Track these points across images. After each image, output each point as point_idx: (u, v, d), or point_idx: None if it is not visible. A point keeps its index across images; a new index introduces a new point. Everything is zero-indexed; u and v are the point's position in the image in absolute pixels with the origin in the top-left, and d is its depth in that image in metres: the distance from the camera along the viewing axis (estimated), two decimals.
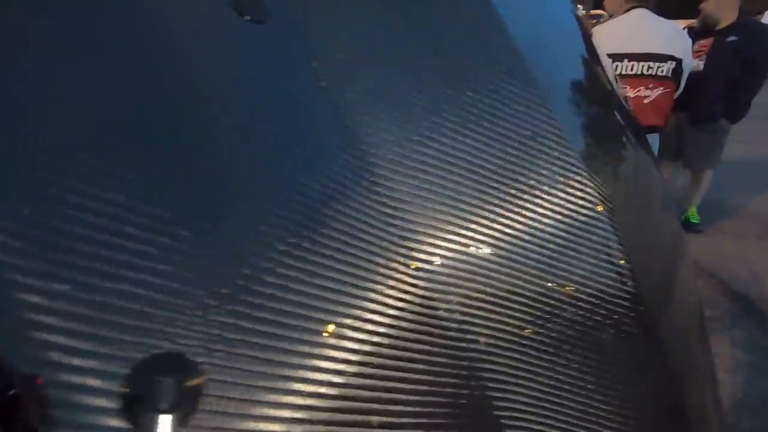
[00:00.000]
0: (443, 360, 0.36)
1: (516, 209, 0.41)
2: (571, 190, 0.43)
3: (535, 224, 0.41)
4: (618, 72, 1.98)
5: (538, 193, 0.42)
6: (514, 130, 0.43)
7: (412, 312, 0.35)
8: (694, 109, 2.57)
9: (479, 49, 0.45)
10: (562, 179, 0.43)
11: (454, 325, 0.36)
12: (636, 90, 1.97)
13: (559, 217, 0.42)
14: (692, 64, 2.05)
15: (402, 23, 0.42)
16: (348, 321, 0.33)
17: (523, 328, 0.39)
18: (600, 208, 0.43)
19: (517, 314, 0.39)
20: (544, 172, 0.43)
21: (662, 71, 1.94)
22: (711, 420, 0.56)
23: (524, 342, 0.39)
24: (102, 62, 0.31)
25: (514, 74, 0.44)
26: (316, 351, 0.31)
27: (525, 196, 0.41)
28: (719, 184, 3.35)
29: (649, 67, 1.94)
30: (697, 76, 2.49)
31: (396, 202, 0.36)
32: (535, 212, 0.41)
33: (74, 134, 0.29)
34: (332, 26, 0.39)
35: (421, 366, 0.35)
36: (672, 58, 1.93)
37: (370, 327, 0.33)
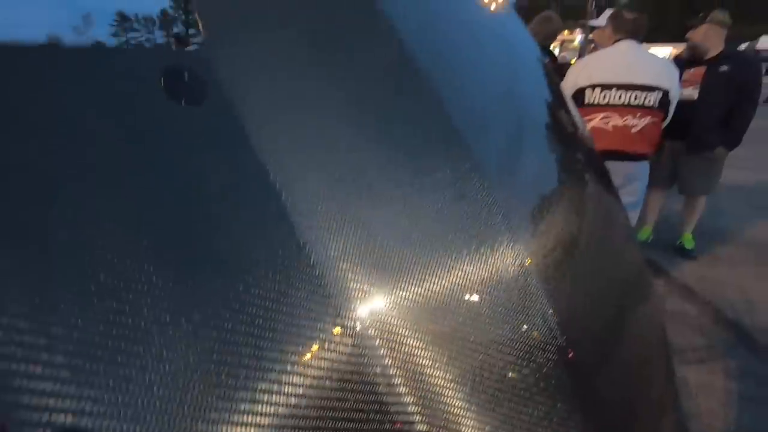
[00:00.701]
0: (371, 411, 0.37)
1: (439, 266, 0.42)
2: (494, 247, 0.44)
3: (459, 278, 0.42)
4: (606, 101, 2.02)
5: (461, 249, 0.43)
6: (437, 190, 0.44)
7: (341, 370, 0.37)
8: (691, 137, 2.62)
9: (414, 124, 0.46)
10: (485, 236, 0.44)
11: (382, 379, 0.38)
12: (624, 119, 2.01)
13: (481, 272, 0.43)
14: (679, 94, 2.09)
15: (340, 103, 0.44)
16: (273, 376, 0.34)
17: (448, 376, 0.40)
18: (528, 262, 0.44)
19: (443, 363, 0.40)
20: (469, 230, 0.44)
21: (649, 101, 1.98)
22: None
23: (448, 389, 0.40)
24: (35, 145, 0.33)
25: (445, 143, 0.45)
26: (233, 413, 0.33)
27: (449, 253, 0.43)
28: (716, 210, 3.36)
29: (636, 97, 1.98)
30: (692, 104, 2.55)
31: (324, 264, 0.38)
32: (459, 267, 0.43)
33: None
34: (270, 105, 0.40)
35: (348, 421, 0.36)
36: (659, 89, 1.97)
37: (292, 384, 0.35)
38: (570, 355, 0.44)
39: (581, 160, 0.74)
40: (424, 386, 0.40)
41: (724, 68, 2.53)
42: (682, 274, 2.68)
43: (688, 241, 2.92)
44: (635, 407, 0.57)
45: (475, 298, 0.43)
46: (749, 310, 2.32)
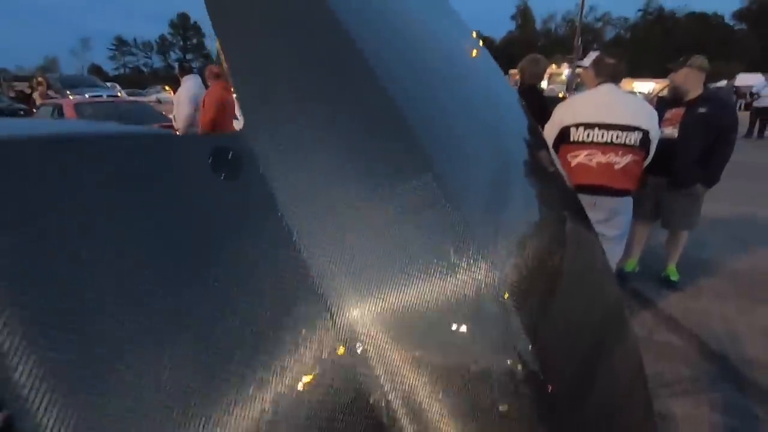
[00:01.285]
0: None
1: (418, 296, 0.48)
2: (473, 276, 0.49)
3: (438, 309, 0.48)
4: (590, 139, 2.13)
5: (443, 278, 0.49)
6: (418, 225, 0.50)
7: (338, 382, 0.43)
8: (672, 174, 2.74)
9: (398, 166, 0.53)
10: (464, 266, 0.49)
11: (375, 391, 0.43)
12: (607, 156, 2.11)
13: (460, 302, 0.48)
14: (659, 134, 2.21)
15: (335, 146, 0.52)
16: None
17: (433, 393, 0.45)
18: (506, 297, 0.50)
19: (420, 392, 0.45)
20: (446, 260, 0.50)
21: (630, 140, 2.08)
22: None
23: (426, 415, 0.45)
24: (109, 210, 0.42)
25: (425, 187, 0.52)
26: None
27: (432, 283, 0.48)
28: (701, 243, 3.45)
29: (618, 136, 2.09)
30: (672, 143, 2.68)
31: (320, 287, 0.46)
32: (438, 297, 0.48)
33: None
34: (294, 183, 0.50)
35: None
36: (639, 129, 2.08)
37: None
38: (548, 388, 0.48)
39: (556, 195, 0.80)
40: (405, 411, 0.45)
41: (702, 110, 2.68)
42: (668, 306, 2.74)
43: (673, 273, 3.00)
44: None
45: (455, 328, 0.48)
46: (733, 342, 2.37)
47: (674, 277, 2.98)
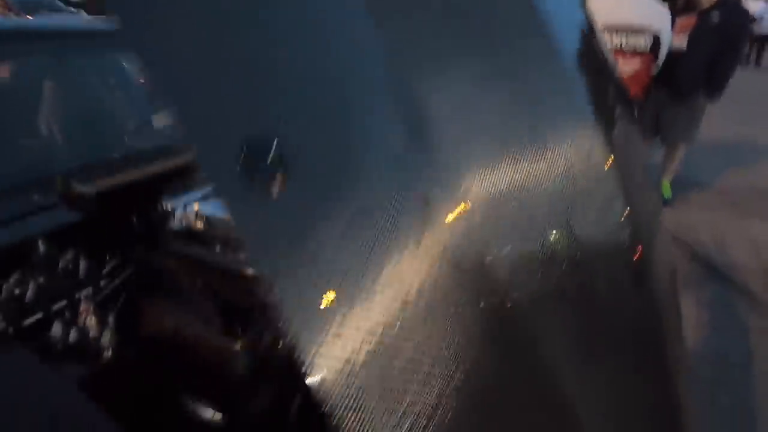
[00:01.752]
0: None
1: (542, 165, 0.48)
2: (586, 149, 0.50)
3: (558, 176, 0.48)
4: None
5: (559, 150, 0.49)
6: (543, 101, 0.50)
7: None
8: (676, 84, 2.65)
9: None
10: (580, 140, 0.50)
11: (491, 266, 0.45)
12: (616, 62, 2.04)
13: (575, 169, 0.49)
14: (670, 39, 2.12)
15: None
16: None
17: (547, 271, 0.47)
18: (608, 166, 0.51)
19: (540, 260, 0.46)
20: (567, 134, 0.49)
21: (640, 45, 2.01)
22: (681, 365, 0.64)
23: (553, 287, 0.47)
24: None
25: (543, 53, 0.52)
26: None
27: (548, 154, 0.48)
28: (694, 163, 3.48)
29: (627, 40, 2.00)
30: (680, 53, 2.58)
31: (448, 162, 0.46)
32: (557, 166, 0.48)
33: None
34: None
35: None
36: (649, 31, 2.00)
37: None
38: (638, 252, 0.51)
39: (624, 88, 0.79)
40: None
41: (714, 17, 2.54)
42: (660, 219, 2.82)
43: (666, 190, 3.05)
44: (661, 321, 0.63)
45: (568, 197, 0.48)
46: (719, 249, 2.48)
47: (667, 194, 3.03)
